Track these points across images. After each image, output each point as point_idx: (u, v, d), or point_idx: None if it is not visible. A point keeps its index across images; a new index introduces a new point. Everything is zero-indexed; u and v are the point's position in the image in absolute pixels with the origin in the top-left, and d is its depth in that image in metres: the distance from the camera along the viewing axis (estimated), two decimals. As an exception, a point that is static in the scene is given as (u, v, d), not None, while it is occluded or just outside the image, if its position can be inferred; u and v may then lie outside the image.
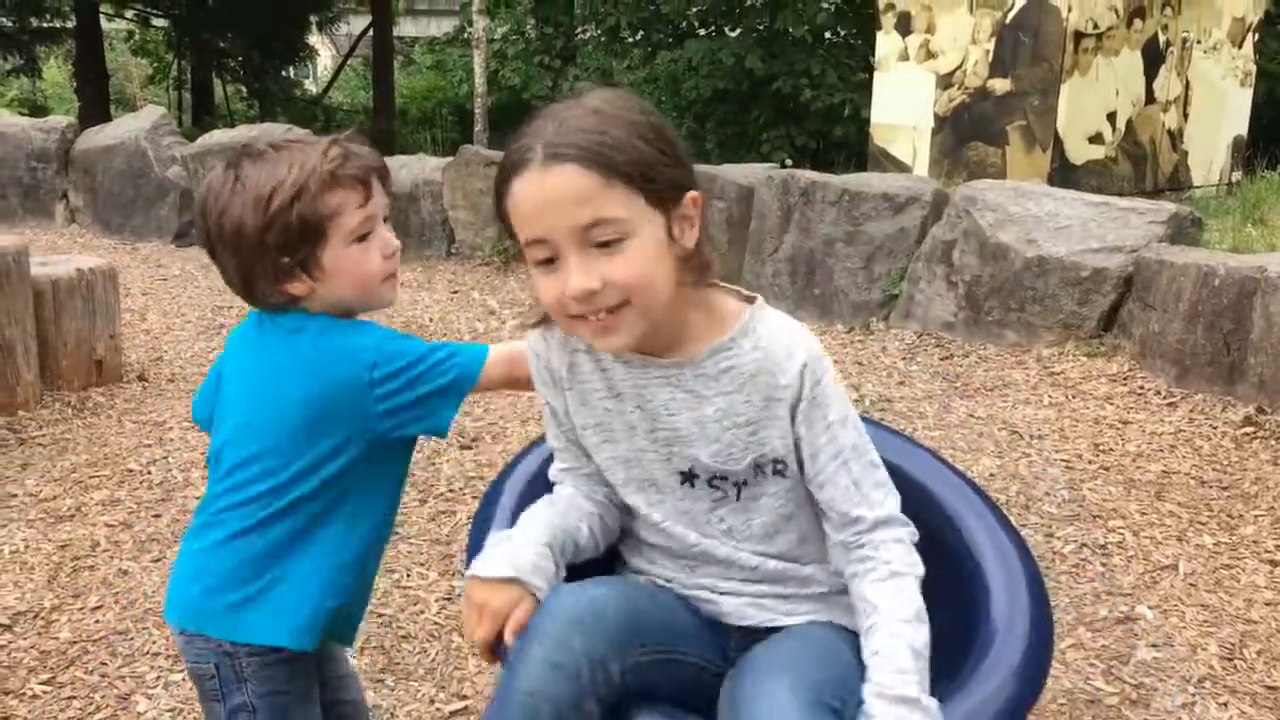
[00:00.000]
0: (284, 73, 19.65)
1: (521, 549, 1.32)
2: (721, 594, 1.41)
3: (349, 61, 21.58)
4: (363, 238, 1.48)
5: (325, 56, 25.01)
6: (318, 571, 1.51)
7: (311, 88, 22.43)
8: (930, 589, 1.44)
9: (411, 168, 6.90)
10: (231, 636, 1.50)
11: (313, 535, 1.51)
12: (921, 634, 1.27)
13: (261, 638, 1.50)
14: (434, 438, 1.58)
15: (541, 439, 1.65)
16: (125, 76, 24.68)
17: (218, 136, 7.41)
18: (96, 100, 16.02)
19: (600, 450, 1.41)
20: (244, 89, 19.63)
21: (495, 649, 1.28)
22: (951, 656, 1.34)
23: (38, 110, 18.83)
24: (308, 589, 1.50)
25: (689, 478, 1.37)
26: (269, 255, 1.43)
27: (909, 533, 1.36)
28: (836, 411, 1.34)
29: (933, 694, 1.22)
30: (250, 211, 1.42)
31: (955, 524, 1.52)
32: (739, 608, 1.40)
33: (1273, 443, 3.78)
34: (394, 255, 1.52)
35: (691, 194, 1.26)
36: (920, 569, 1.34)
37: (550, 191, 1.20)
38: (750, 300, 1.37)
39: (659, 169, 1.22)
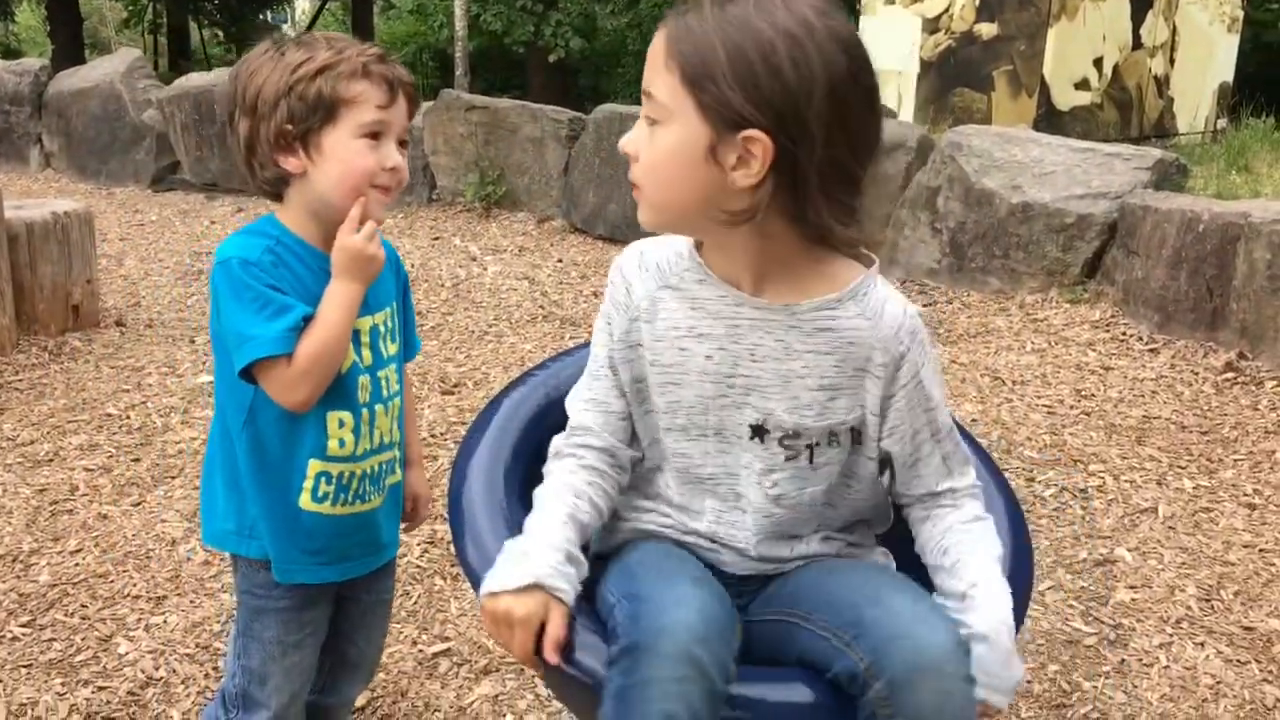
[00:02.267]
0: (261, 16, 19.38)
1: (539, 557, 1.25)
2: (723, 545, 1.39)
3: (328, 5, 21.29)
4: (372, 136, 1.46)
5: (303, 2, 24.67)
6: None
7: (290, 31, 22.13)
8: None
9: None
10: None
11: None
12: (1006, 577, 1.31)
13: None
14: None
15: (514, 382, 1.63)
16: (100, 20, 24.30)
17: (195, 79, 7.29)
18: (70, 43, 15.78)
19: (663, 392, 1.35)
20: (220, 33, 19.38)
21: (537, 658, 1.22)
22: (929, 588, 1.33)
23: (10, 54, 18.53)
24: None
25: (759, 432, 1.32)
26: (277, 120, 1.44)
27: (983, 495, 1.40)
28: (938, 395, 1.33)
29: None
30: (276, 75, 1.44)
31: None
32: (737, 560, 1.39)
33: (1253, 388, 3.80)
34: (394, 171, 1.49)
35: (749, 134, 1.15)
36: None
37: (650, 47, 1.22)
38: (869, 264, 1.31)
39: (719, 84, 1.15)
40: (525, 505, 1.42)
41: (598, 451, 1.38)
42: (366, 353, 1.55)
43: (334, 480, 1.53)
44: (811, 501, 1.35)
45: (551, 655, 1.19)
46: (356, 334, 1.52)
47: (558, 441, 1.41)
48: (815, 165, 1.16)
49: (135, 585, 2.58)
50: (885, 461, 1.36)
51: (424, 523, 1.91)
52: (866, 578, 1.31)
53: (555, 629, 1.20)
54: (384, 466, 1.60)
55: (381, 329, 1.58)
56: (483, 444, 1.48)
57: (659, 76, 1.20)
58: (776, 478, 1.33)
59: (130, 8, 19.78)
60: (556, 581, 1.22)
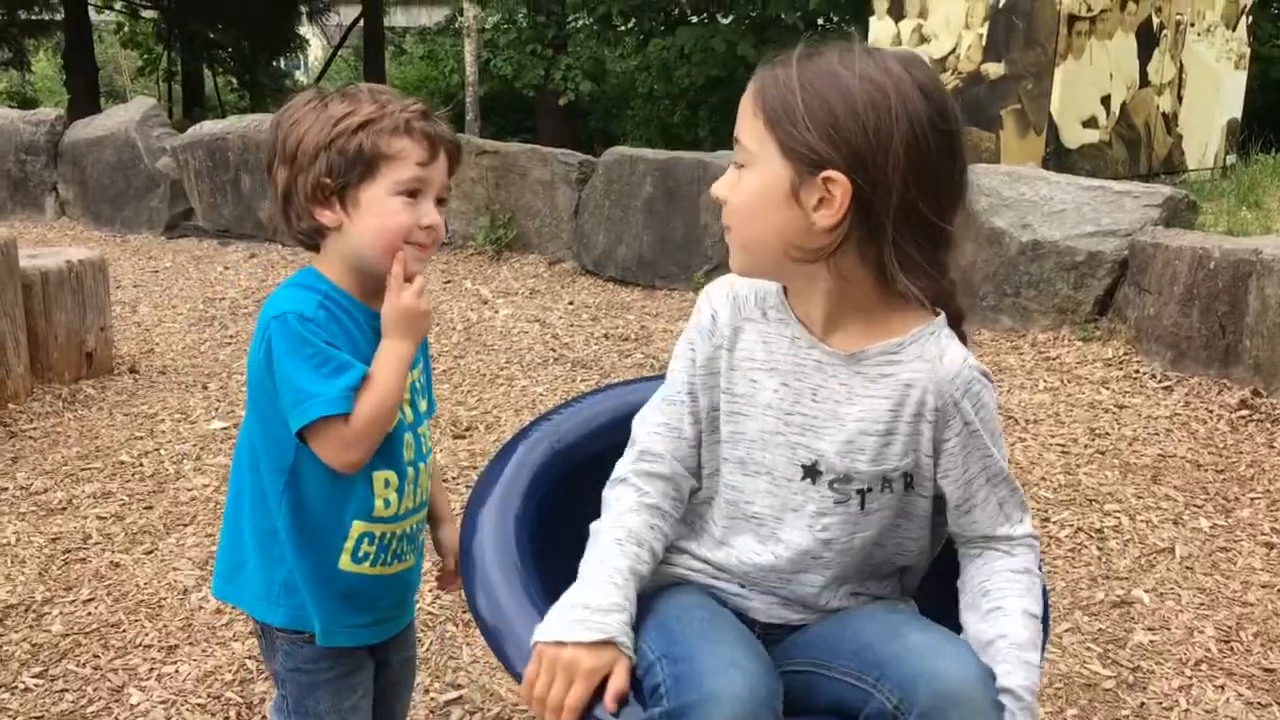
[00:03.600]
0: (274, 63, 19.58)
1: (610, 614, 1.26)
2: (752, 589, 1.38)
3: (340, 52, 21.50)
4: (410, 193, 1.46)
5: (316, 47, 24.92)
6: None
7: (303, 78, 22.35)
8: (930, 569, 1.44)
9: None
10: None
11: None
12: (1040, 639, 1.28)
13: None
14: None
15: (525, 429, 1.63)
16: (115, 69, 24.58)
17: (208, 127, 7.36)
18: (86, 93, 15.95)
19: (730, 421, 1.37)
20: (234, 80, 19.56)
21: (584, 713, 1.21)
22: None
23: (27, 103, 18.74)
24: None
25: (811, 473, 1.32)
26: (316, 172, 1.44)
27: (1039, 546, 1.39)
28: (994, 441, 1.32)
29: None
30: (318, 127, 1.45)
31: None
32: (769, 606, 1.38)
33: (1268, 425, 3.77)
34: (430, 230, 1.48)
35: (829, 174, 1.19)
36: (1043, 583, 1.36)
37: (742, 98, 1.28)
38: (935, 314, 1.31)
39: (798, 126, 1.20)
40: (535, 552, 1.42)
41: (663, 482, 1.39)
42: (408, 410, 1.54)
43: (375, 541, 1.52)
44: (863, 545, 1.35)
45: (612, 705, 1.20)
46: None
47: (623, 466, 1.41)
48: (892, 209, 1.19)
49: (147, 634, 2.57)
50: (940, 499, 1.36)
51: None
52: (882, 618, 1.31)
53: (620, 682, 1.21)
54: (419, 526, 1.61)
55: (417, 385, 1.59)
56: (493, 494, 1.48)
57: (746, 122, 1.26)
58: (827, 521, 1.33)
59: (145, 57, 19.99)
60: (625, 639, 1.24)
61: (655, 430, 1.41)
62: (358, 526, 1.50)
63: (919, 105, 1.19)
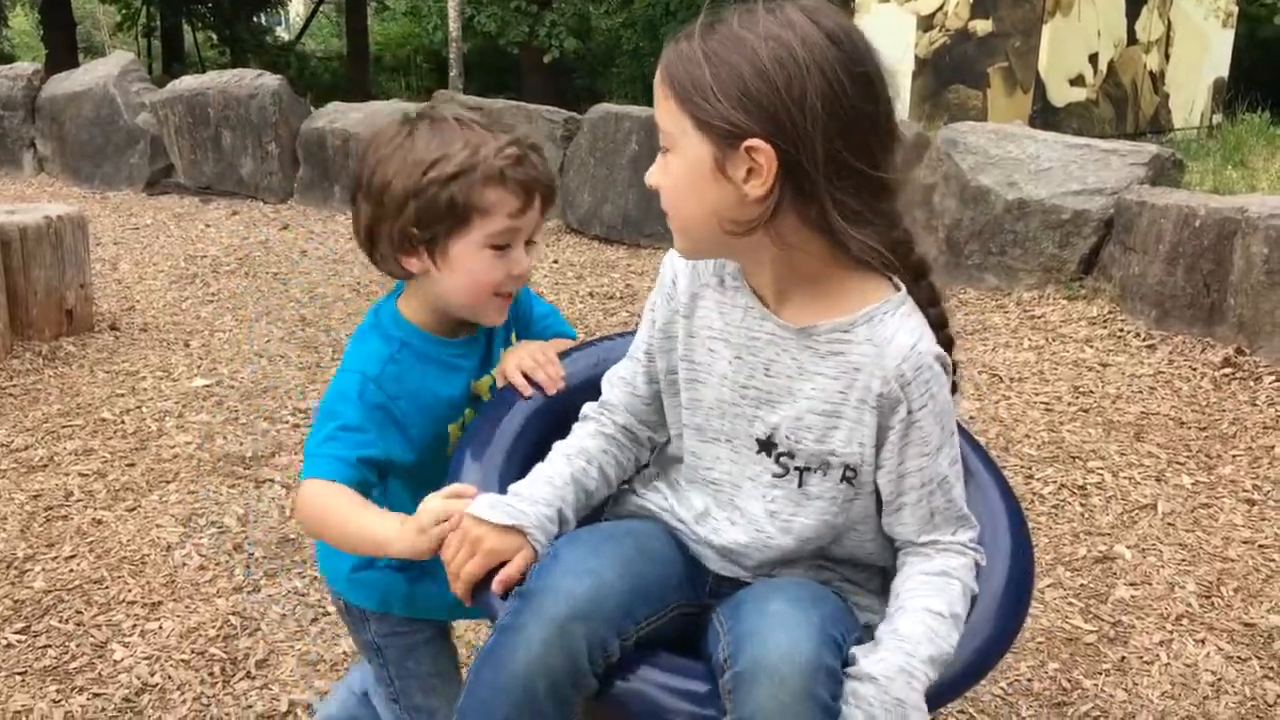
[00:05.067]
0: (255, 19, 19.33)
1: (531, 506, 1.28)
2: (706, 545, 1.38)
3: (322, 8, 21.25)
4: (500, 247, 1.42)
5: (298, 2, 24.61)
6: None
7: (285, 35, 22.10)
8: None
9: (386, 113, 6.78)
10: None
11: None
12: (947, 637, 1.21)
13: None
14: None
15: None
16: (93, 24, 24.24)
17: (188, 82, 7.26)
18: (64, 48, 15.75)
19: (688, 388, 1.35)
20: (214, 36, 19.33)
21: (475, 589, 1.26)
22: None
23: (4, 58, 18.49)
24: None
25: (766, 446, 1.30)
26: (403, 220, 1.40)
27: (977, 558, 1.31)
28: (939, 437, 1.25)
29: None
30: (405, 171, 1.39)
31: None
32: (717, 560, 1.37)
33: (1251, 383, 3.79)
34: (520, 277, 1.46)
35: (750, 143, 1.13)
36: (974, 589, 1.28)
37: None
38: (896, 287, 1.26)
39: (708, 99, 1.15)
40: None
41: (619, 427, 1.43)
42: None
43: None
44: (801, 531, 1.31)
45: (497, 588, 1.24)
46: (477, 401, 1.55)
47: (588, 407, 1.45)
48: (821, 165, 1.14)
49: (130, 591, 2.57)
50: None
51: None
52: (783, 585, 1.28)
53: (513, 569, 1.24)
54: None
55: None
56: (475, 445, 1.47)
57: (660, 105, 1.21)
58: (774, 495, 1.32)
59: (124, 12, 19.72)
60: (537, 534, 1.27)
61: (614, 383, 1.45)
62: None
63: (827, 53, 1.13)
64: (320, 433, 1.42)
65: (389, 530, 1.32)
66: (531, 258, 1.48)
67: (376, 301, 1.58)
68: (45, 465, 3.22)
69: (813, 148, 1.13)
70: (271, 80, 7.00)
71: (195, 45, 19.58)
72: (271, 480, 3.10)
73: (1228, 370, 3.86)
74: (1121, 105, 6.67)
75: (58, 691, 2.21)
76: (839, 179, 1.15)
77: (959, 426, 1.51)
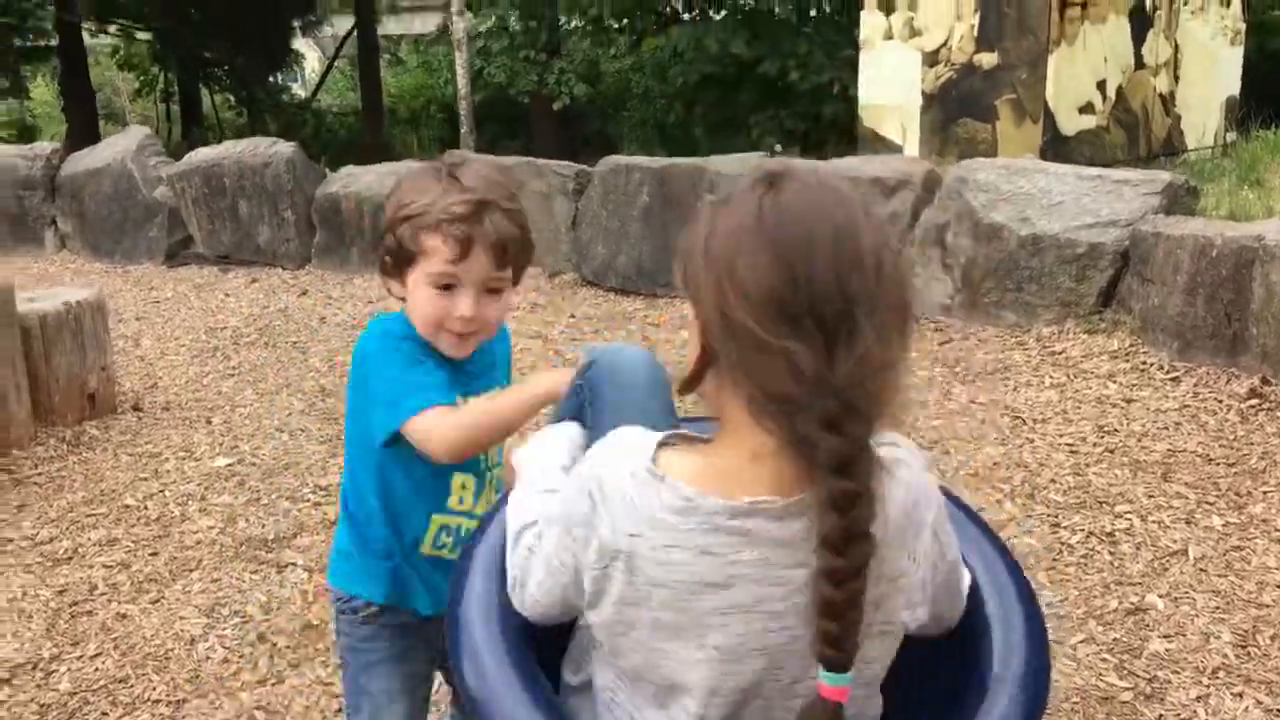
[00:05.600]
0: (271, 79, 19.55)
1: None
2: None
3: (336, 62, 21.48)
4: (443, 288, 1.57)
5: (312, 59, 24.89)
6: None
7: (300, 91, 22.33)
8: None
9: (400, 174, 6.83)
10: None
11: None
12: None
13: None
14: None
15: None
16: (113, 90, 24.57)
17: (203, 154, 7.35)
18: (84, 118, 15.98)
19: None
20: (231, 97, 19.56)
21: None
22: (954, 699, 1.29)
23: (26, 131, 18.79)
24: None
25: None
26: (382, 250, 1.63)
27: None
28: None
29: None
30: (390, 210, 1.62)
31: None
32: None
33: (1278, 414, 3.73)
34: (468, 320, 1.58)
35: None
36: None
37: None
38: None
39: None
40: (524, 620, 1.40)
41: None
42: None
43: (452, 532, 1.71)
44: None
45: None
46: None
47: None
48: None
49: (155, 689, 2.56)
50: None
51: None
52: None
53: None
54: None
55: None
56: (480, 557, 1.45)
57: None
58: None
59: (141, 78, 20.01)
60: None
61: None
62: (436, 520, 1.69)
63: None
64: (392, 380, 1.57)
65: (534, 384, 1.56)
66: (490, 306, 1.60)
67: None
68: (70, 558, 3.24)
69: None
70: (285, 148, 7.07)
71: (213, 107, 19.80)
72: (294, 564, 3.10)
73: (1254, 401, 3.81)
74: (1133, 130, 6.63)
75: (84, 800, 2.21)
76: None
77: (981, 521, 1.49)
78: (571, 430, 1.46)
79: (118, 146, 7.72)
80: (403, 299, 1.65)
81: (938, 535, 1.19)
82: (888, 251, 1.07)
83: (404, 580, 1.72)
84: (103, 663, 2.68)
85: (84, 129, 15.63)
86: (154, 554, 3.23)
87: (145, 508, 3.57)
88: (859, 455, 1.02)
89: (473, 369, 1.70)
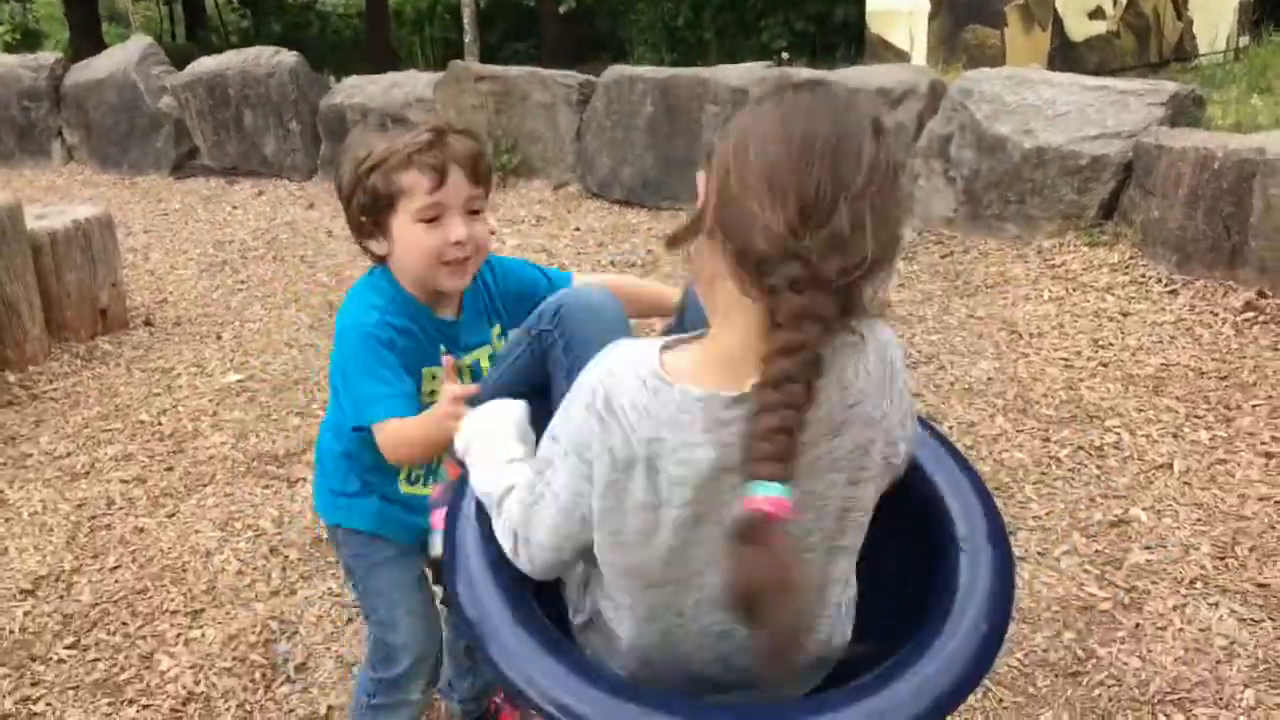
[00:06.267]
0: (275, -21, 19.25)
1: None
2: None
3: (342, -37, 21.11)
4: (431, 220, 1.61)
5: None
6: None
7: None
8: (896, 540, 1.46)
9: (403, 85, 6.81)
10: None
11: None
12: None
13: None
14: None
15: None
16: (115, -9, 24.25)
17: (206, 64, 7.30)
18: (87, 21, 15.83)
19: None
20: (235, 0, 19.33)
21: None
22: (914, 613, 1.36)
23: (30, 34, 18.58)
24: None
25: None
26: (355, 211, 1.64)
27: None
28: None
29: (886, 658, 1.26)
30: (349, 171, 1.63)
31: (925, 477, 1.52)
32: None
33: (1273, 327, 3.77)
34: (459, 245, 1.62)
35: None
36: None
37: None
38: None
39: None
40: None
41: None
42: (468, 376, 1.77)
43: (425, 467, 1.80)
44: None
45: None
46: (460, 372, 1.73)
47: None
48: None
49: (173, 600, 2.68)
50: None
51: None
52: None
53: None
54: None
55: (482, 364, 1.77)
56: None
57: None
58: None
59: (144, -20, 19.75)
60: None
61: None
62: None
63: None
64: (360, 386, 1.62)
65: (434, 421, 1.56)
66: (477, 226, 1.65)
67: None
68: (87, 473, 3.34)
69: None
70: (288, 57, 7.03)
71: (217, 8, 19.56)
72: (304, 479, 3.20)
73: (1249, 314, 3.84)
74: (1144, 35, 6.54)
75: (109, 705, 2.33)
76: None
77: (950, 446, 1.55)
78: (514, 406, 1.51)
79: (120, 57, 7.67)
80: (383, 257, 1.67)
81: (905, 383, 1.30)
82: (887, 163, 1.15)
83: (388, 515, 1.82)
84: (122, 574, 2.79)
85: (87, 32, 15.49)
86: (169, 469, 3.33)
87: (159, 423, 3.66)
88: (814, 316, 1.12)
89: (461, 328, 1.74)
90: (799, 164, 1.13)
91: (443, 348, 1.70)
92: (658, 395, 1.20)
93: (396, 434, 1.60)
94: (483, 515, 1.47)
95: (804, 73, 5.45)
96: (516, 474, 1.41)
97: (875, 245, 1.13)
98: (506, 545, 1.39)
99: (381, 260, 1.69)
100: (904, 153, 5.06)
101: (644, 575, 1.29)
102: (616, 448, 1.22)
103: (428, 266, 1.63)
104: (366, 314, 1.64)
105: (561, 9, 11.36)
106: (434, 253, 1.61)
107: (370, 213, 1.62)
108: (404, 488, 1.81)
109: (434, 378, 1.71)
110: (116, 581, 2.76)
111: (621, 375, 1.23)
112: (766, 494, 1.10)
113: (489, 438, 1.49)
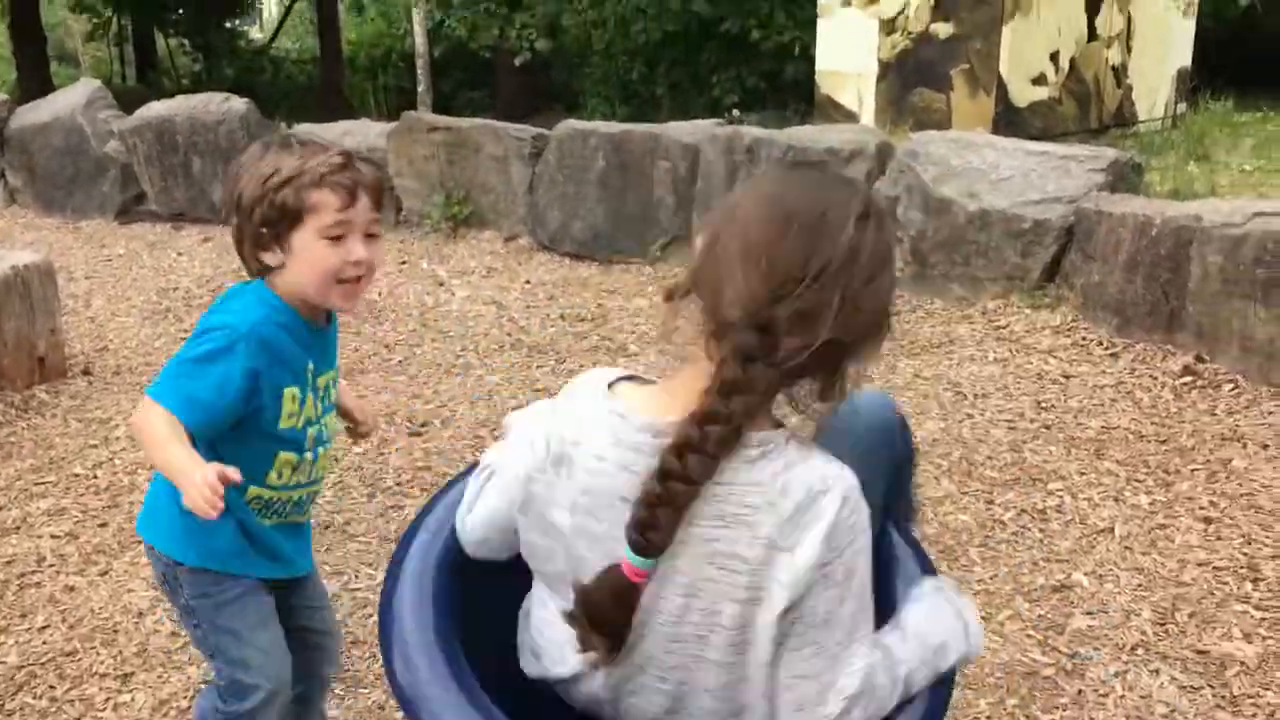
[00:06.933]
0: (227, 23, 19.21)
1: None
2: None
3: (295, 5, 21.13)
4: (335, 239, 1.66)
5: (271, 3, 24.44)
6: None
7: (258, 35, 21.98)
8: None
9: (355, 135, 6.80)
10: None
11: None
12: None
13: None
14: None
15: (448, 485, 1.67)
16: (65, 31, 24.06)
17: (156, 108, 7.25)
18: (35, 61, 15.67)
19: None
20: (187, 42, 19.21)
21: None
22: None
23: (-25, 71, 18.37)
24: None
25: None
26: (254, 223, 1.67)
27: None
28: None
29: None
30: (253, 184, 1.67)
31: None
32: None
33: (1210, 391, 3.84)
34: (358, 265, 1.68)
35: None
36: None
37: None
38: None
39: None
40: (455, 615, 1.45)
41: None
42: (318, 406, 1.81)
43: (265, 502, 1.79)
44: None
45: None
46: (316, 390, 1.79)
47: None
48: None
49: (103, 662, 2.60)
50: None
51: (373, 431, 2.15)
52: None
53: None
54: (309, 496, 1.88)
55: (331, 384, 1.84)
56: (413, 553, 1.51)
57: None
58: None
59: (94, 21, 19.60)
60: None
61: None
62: (253, 490, 1.76)
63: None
64: (184, 363, 1.62)
65: (189, 471, 1.49)
66: (374, 249, 1.71)
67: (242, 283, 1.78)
68: (18, 528, 3.25)
69: None
70: (239, 104, 7.00)
71: (168, 51, 19.45)
72: (242, 536, 3.13)
73: (1188, 379, 3.91)
74: (1085, 101, 6.70)
75: (32, 774, 2.25)
76: None
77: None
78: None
79: (67, 99, 7.60)
80: (265, 270, 1.70)
81: (836, 551, 1.21)
82: (873, 248, 1.18)
83: (243, 550, 1.79)
84: (51, 635, 2.71)
85: (35, 72, 15.32)
86: (102, 525, 3.26)
87: (94, 476, 3.58)
88: (747, 390, 1.14)
89: (328, 344, 1.83)
90: (776, 237, 1.16)
91: (310, 365, 1.76)
92: (592, 403, 1.28)
93: (154, 429, 1.56)
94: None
95: (753, 131, 5.52)
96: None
97: (840, 328, 1.14)
98: (463, 503, 1.50)
99: (261, 274, 1.72)
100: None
101: (554, 576, 1.35)
102: (551, 438, 1.29)
103: (324, 283, 1.68)
104: (254, 310, 1.67)
105: (517, 61, 11.40)
106: (333, 270, 1.67)
107: (273, 225, 1.66)
108: (262, 520, 1.80)
109: (294, 399, 1.74)
110: (45, 642, 2.68)
111: (582, 381, 1.33)
112: (632, 563, 1.19)
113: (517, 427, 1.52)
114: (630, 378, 1.32)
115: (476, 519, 1.46)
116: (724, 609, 1.22)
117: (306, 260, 1.67)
